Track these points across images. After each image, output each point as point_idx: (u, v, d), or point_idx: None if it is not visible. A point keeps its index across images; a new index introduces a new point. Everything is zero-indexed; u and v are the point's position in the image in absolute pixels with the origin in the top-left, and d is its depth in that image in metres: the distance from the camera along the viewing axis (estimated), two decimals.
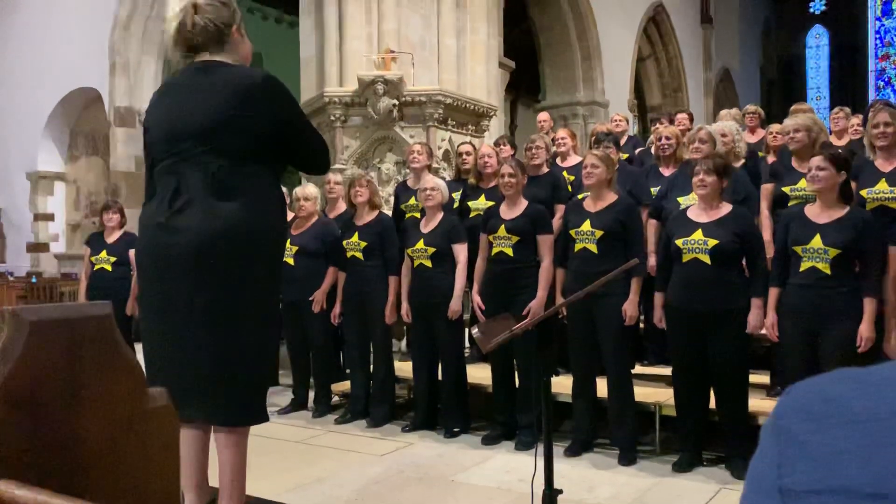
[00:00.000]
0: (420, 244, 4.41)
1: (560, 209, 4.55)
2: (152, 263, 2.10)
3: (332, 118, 6.53)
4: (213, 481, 2.19)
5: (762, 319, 3.50)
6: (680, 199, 4.20)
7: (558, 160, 5.49)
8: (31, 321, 0.89)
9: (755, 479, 0.44)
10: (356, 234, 4.73)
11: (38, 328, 0.89)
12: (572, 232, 3.92)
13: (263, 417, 2.16)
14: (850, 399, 0.42)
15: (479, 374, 4.62)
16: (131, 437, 0.96)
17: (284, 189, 5.49)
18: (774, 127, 5.80)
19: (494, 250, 4.16)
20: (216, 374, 2.02)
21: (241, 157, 2.05)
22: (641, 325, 4.57)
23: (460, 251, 4.38)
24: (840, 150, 3.68)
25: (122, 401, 0.97)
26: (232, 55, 2.15)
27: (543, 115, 7.53)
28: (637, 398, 3.94)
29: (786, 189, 4.18)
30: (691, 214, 3.66)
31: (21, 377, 0.87)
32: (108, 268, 5.45)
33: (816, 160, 3.32)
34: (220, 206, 2.01)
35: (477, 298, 4.24)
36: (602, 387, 3.97)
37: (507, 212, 4.17)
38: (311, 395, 5.16)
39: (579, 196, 4.45)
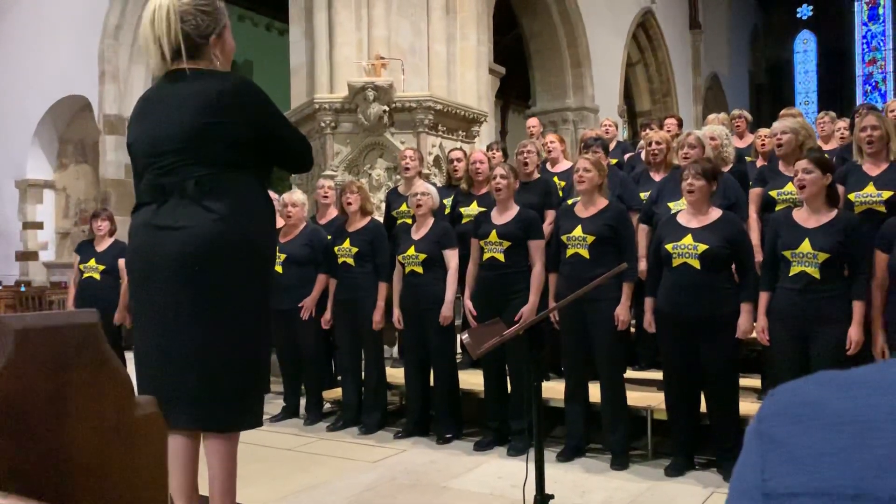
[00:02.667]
0: (411, 251, 4.41)
1: (550, 215, 4.56)
2: (140, 268, 2.10)
3: (323, 124, 6.53)
4: (203, 490, 2.18)
5: (752, 324, 3.52)
6: (670, 205, 4.21)
7: (548, 165, 5.51)
8: (17, 329, 0.88)
9: (739, 482, 0.45)
10: (347, 240, 4.72)
11: (23, 336, 0.88)
12: (564, 237, 3.92)
13: (252, 423, 2.15)
14: (832, 401, 0.42)
15: (472, 379, 4.62)
16: (119, 446, 0.96)
17: (275, 195, 5.52)
18: (763, 131, 5.84)
19: (486, 256, 4.16)
20: (202, 379, 2.02)
21: (223, 166, 2.04)
22: (633, 330, 4.58)
23: (451, 257, 4.38)
24: (827, 156, 3.71)
25: (109, 409, 0.96)
26: (207, 62, 2.11)
27: (533, 121, 7.54)
28: (629, 403, 3.95)
29: (773, 193, 4.20)
30: (681, 219, 3.68)
31: (6, 386, 0.86)
32: (97, 276, 5.41)
33: (801, 164, 3.35)
34: (203, 214, 2.01)
35: (468, 304, 4.24)
36: (594, 392, 3.97)
37: (499, 217, 4.17)
38: (303, 402, 5.14)
39: (569, 201, 4.46)
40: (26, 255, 12.00)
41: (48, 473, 0.89)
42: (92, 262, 5.43)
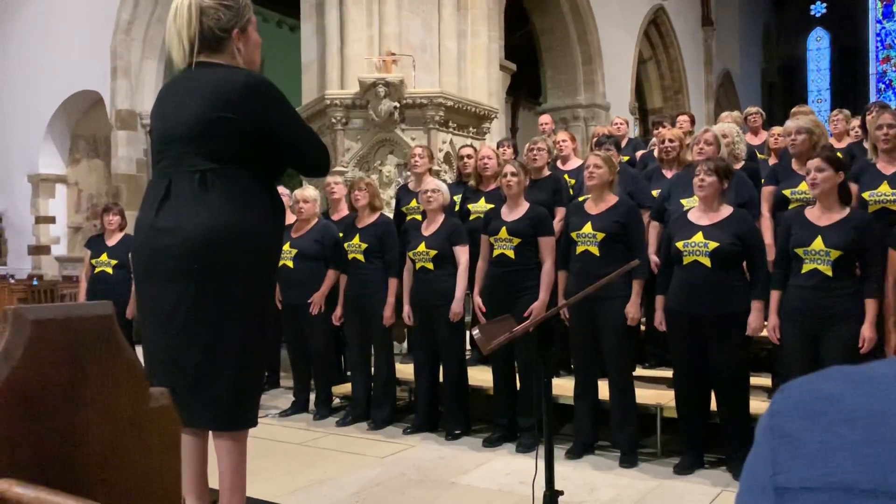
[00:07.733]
0: (421, 247, 4.41)
1: (560, 212, 4.55)
2: (142, 265, 2.11)
3: (333, 120, 6.54)
4: (214, 483, 2.19)
5: (763, 322, 3.50)
6: (683, 202, 4.20)
7: (559, 163, 5.50)
8: (33, 321, 0.89)
9: (750, 478, 0.45)
10: (357, 236, 4.73)
11: (39, 328, 0.89)
12: (573, 234, 3.92)
13: (251, 422, 2.15)
14: (844, 396, 0.42)
15: (481, 376, 4.62)
16: (133, 437, 0.97)
17: (286, 191, 5.53)
18: (776, 129, 5.80)
19: (496, 252, 4.16)
20: (202, 378, 2.01)
21: (227, 161, 2.04)
22: (643, 328, 4.57)
23: (461, 253, 4.38)
24: (838, 153, 3.68)
25: (123, 400, 0.97)
26: (229, 56, 2.12)
27: (545, 118, 7.53)
28: (638, 400, 3.94)
29: (786, 192, 4.17)
30: (692, 217, 3.66)
31: (22, 377, 0.87)
32: (110, 270, 5.45)
33: (814, 162, 3.33)
34: (205, 211, 2.00)
35: (478, 300, 4.24)
36: (603, 389, 3.97)
37: (509, 214, 4.17)
38: (312, 397, 5.16)
39: (580, 198, 4.46)
40: (38, 249, 12.09)
41: (62, 463, 0.90)
42: (104, 258, 5.48)
